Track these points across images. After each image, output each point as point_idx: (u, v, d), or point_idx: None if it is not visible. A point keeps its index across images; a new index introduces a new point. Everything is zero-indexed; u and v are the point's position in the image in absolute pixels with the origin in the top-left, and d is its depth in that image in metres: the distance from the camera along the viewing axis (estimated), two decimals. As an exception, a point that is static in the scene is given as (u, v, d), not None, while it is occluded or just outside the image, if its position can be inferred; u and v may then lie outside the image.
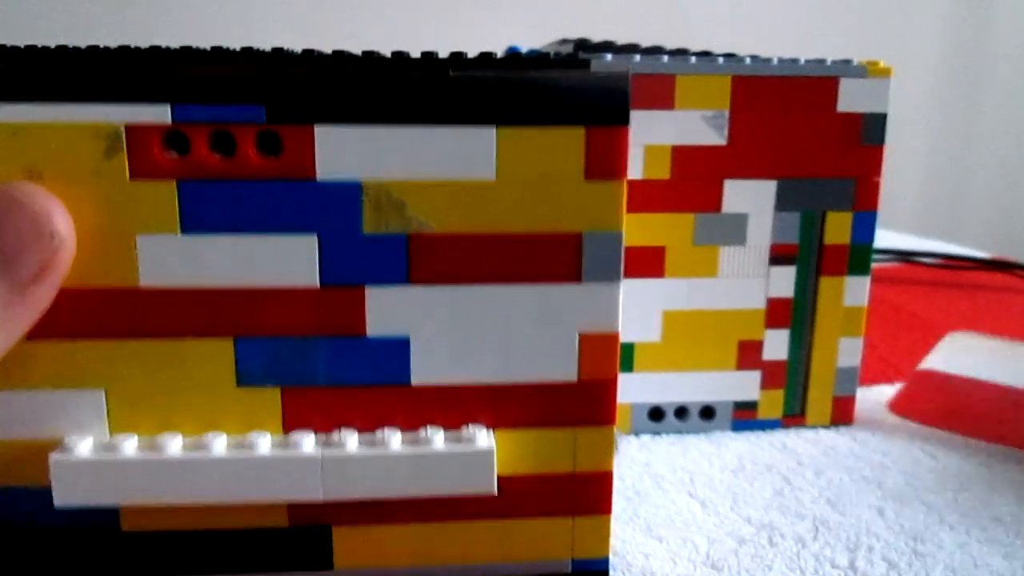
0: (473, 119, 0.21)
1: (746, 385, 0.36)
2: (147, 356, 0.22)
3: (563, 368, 0.23)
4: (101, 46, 0.26)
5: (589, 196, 0.22)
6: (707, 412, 0.36)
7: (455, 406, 0.23)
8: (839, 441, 0.36)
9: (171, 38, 0.33)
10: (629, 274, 0.33)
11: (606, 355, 0.23)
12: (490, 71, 0.21)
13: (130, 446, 0.21)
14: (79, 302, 0.21)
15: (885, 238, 0.68)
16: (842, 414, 0.37)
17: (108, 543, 0.23)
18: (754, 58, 0.34)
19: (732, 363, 0.36)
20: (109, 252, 0.21)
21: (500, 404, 0.23)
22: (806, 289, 0.35)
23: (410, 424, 0.23)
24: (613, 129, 0.21)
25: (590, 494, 0.24)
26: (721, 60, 0.33)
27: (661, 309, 0.35)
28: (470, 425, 0.23)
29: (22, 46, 0.25)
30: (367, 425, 0.22)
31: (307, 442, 0.22)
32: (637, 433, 0.36)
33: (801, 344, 0.36)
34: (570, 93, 0.21)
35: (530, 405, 0.23)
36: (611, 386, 0.23)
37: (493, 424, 0.23)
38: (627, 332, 0.34)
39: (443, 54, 0.24)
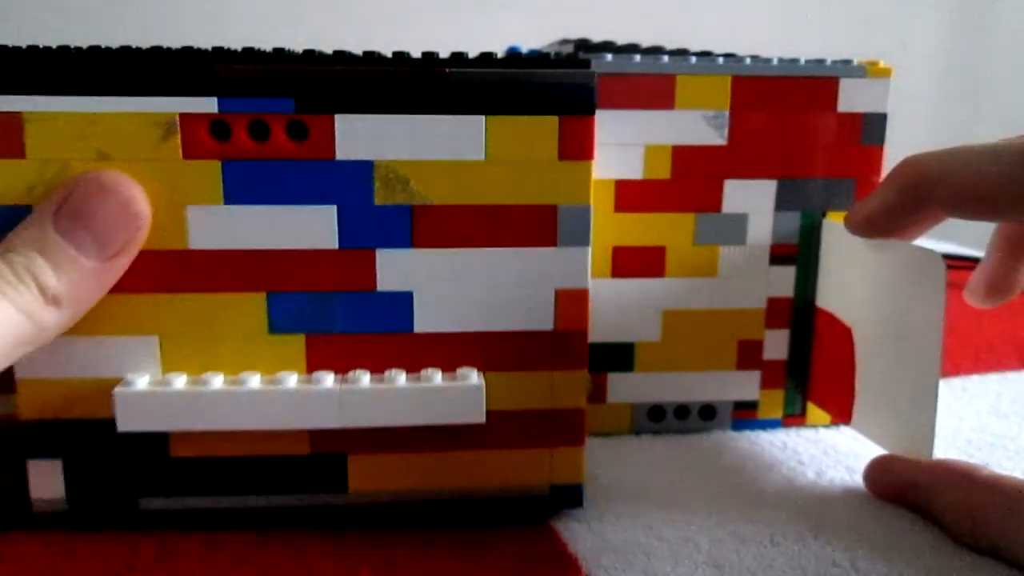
0: (466, 110, 0.25)
1: (746, 385, 0.36)
2: (194, 308, 0.26)
3: (542, 319, 0.27)
4: (134, 46, 0.30)
5: (562, 174, 0.26)
6: (707, 412, 0.36)
7: (451, 351, 0.27)
8: (839, 440, 0.35)
9: (172, 39, 0.35)
10: (629, 274, 0.34)
11: (578, 309, 0.27)
12: (480, 71, 0.25)
13: (180, 382, 0.26)
14: (138, 262, 0.25)
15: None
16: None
17: (158, 467, 0.27)
18: (754, 58, 0.34)
19: (732, 363, 0.35)
20: (163, 220, 0.25)
21: (488, 349, 0.27)
22: (806, 289, 0.35)
23: (413, 365, 0.27)
24: (582, 118, 0.26)
25: (566, 428, 0.28)
26: (721, 60, 0.33)
27: (661, 309, 0.35)
28: (463, 367, 0.27)
29: (85, 47, 0.30)
30: (377, 366, 0.27)
31: (327, 379, 0.26)
32: (638, 432, 0.36)
33: (801, 344, 0.36)
34: (545, 89, 0.25)
35: (514, 351, 0.27)
36: (583, 335, 0.27)
37: (483, 366, 0.27)
38: (627, 332, 0.35)
39: (444, 54, 0.28)
